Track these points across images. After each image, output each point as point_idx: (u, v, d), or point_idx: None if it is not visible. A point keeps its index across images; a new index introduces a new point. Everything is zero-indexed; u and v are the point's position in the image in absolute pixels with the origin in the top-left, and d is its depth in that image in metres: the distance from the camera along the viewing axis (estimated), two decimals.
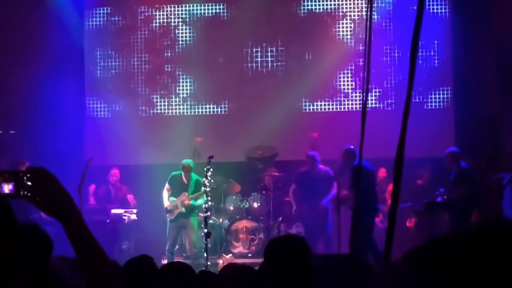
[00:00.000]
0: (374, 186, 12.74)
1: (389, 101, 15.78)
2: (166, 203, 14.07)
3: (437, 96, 15.79)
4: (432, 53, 15.77)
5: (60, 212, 2.41)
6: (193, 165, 14.08)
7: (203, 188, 12.99)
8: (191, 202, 13.92)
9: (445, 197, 13.24)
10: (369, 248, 12.12)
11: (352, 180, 12.61)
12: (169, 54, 16.35)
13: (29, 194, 2.47)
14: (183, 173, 14.09)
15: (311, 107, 16.04)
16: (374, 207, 12.63)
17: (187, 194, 13.92)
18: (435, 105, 15.80)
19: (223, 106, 16.25)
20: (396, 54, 15.85)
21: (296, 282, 4.16)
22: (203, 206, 12.85)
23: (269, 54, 16.19)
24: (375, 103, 15.65)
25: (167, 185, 14.17)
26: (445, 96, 15.80)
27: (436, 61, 15.79)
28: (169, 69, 16.33)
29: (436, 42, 15.75)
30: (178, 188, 14.06)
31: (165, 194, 14.14)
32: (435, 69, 15.75)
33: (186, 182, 14.05)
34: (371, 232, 12.42)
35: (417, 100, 15.24)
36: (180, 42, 16.36)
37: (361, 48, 15.43)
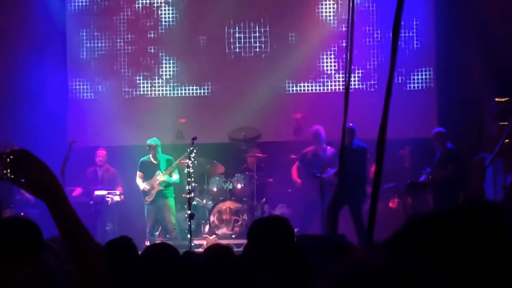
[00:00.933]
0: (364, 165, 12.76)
1: (372, 82, 15.80)
2: (142, 185, 14.10)
3: (418, 77, 15.81)
4: (411, 34, 15.77)
5: (45, 193, 2.41)
6: (159, 143, 14.09)
7: (186, 170, 12.97)
8: (165, 178, 13.93)
9: (430, 177, 13.29)
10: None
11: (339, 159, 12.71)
12: (152, 36, 16.29)
13: (12, 176, 2.47)
14: (151, 155, 14.10)
15: (294, 88, 16.04)
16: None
17: (160, 173, 13.95)
18: (417, 86, 15.83)
19: (206, 87, 16.23)
20: (379, 35, 15.85)
21: (280, 263, 4.17)
22: (186, 187, 12.84)
23: (252, 35, 16.16)
24: (358, 84, 15.66)
25: (138, 173, 14.23)
26: (427, 77, 15.83)
27: (417, 42, 15.80)
28: (152, 51, 16.27)
29: (417, 22, 15.74)
30: (149, 172, 14.11)
31: (139, 181, 14.19)
32: (416, 50, 15.76)
33: (155, 162, 14.07)
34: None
35: (399, 81, 15.27)
36: (163, 23, 16.30)
37: (343, 28, 15.43)
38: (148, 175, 14.08)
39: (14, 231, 3.48)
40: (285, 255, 4.19)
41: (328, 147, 13.53)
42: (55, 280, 3.89)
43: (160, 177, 13.95)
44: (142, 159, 14.24)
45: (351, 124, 12.51)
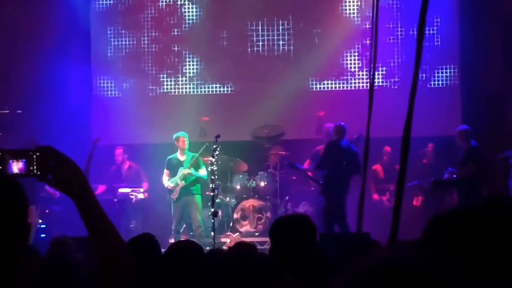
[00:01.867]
0: (347, 166, 12.75)
1: (395, 79, 15.75)
2: (166, 183, 14.07)
3: (442, 74, 15.74)
4: (432, 32, 15.69)
5: (72, 189, 2.41)
6: (186, 136, 14.08)
7: (210, 167, 12.97)
8: (191, 171, 13.88)
9: (453, 175, 13.25)
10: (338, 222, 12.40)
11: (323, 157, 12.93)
12: (176, 33, 16.31)
13: (38, 173, 2.48)
14: (178, 152, 14.09)
15: (317, 86, 16.02)
16: (345, 186, 12.73)
17: (183, 169, 13.92)
18: (440, 84, 15.76)
19: (229, 85, 16.23)
20: (402, 32, 15.80)
21: (303, 261, 4.17)
22: (210, 185, 12.85)
23: (275, 32, 16.14)
24: (381, 82, 15.61)
25: (165, 171, 14.17)
26: (450, 74, 15.76)
27: (438, 40, 15.71)
28: (176, 49, 16.29)
29: (437, 20, 15.64)
30: (176, 169, 14.05)
31: (165, 179, 14.14)
32: (439, 47, 15.68)
33: (182, 159, 14.04)
34: (341, 206, 12.59)
35: (422, 78, 15.20)
36: (187, 21, 16.31)
37: (367, 26, 15.38)
38: (174, 173, 14.06)
39: None
40: (305, 253, 4.19)
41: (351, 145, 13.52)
42: (76, 277, 3.91)
43: (184, 172, 13.90)
44: (169, 157, 14.20)
45: (342, 123, 12.93)
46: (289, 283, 4.10)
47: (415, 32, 15.44)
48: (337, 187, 12.71)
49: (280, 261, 4.24)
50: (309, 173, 14.03)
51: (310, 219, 4.52)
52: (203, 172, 13.92)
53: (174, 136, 14.09)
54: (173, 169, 14.06)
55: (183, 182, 13.93)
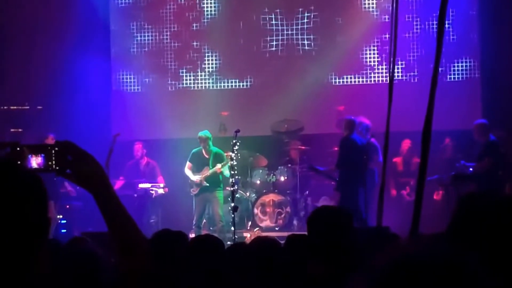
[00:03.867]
0: (360, 160, 12.77)
1: (414, 73, 15.69)
2: (192, 176, 14.04)
3: (459, 68, 15.65)
4: (447, 25, 15.59)
5: (91, 184, 2.41)
6: (210, 135, 14.06)
7: (230, 162, 12.97)
8: (222, 170, 13.84)
9: (469, 169, 13.21)
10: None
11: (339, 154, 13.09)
12: (195, 27, 16.31)
13: (57, 168, 2.49)
14: (202, 148, 14.07)
15: (337, 80, 15.99)
16: (359, 180, 12.75)
17: (208, 168, 13.90)
18: (457, 77, 15.67)
19: (248, 80, 16.24)
20: (418, 25, 15.73)
21: (337, 251, 4.19)
22: (230, 180, 12.86)
23: (294, 27, 16.12)
24: (400, 76, 15.55)
25: (188, 163, 14.15)
26: (468, 67, 15.66)
27: (454, 34, 15.60)
28: (195, 43, 16.30)
29: (453, 12, 15.50)
30: (199, 164, 14.04)
31: (188, 172, 14.12)
32: (458, 40, 15.56)
33: (206, 156, 14.02)
34: (356, 201, 12.57)
35: (440, 72, 15.13)
36: (206, 15, 16.30)
37: (387, 19, 15.36)
38: (197, 168, 14.04)
39: None
40: (340, 243, 4.21)
41: (372, 139, 13.47)
42: (95, 271, 3.92)
43: (215, 169, 13.86)
44: (193, 150, 14.18)
45: (352, 117, 13.12)
46: (314, 272, 4.11)
47: (432, 24, 15.48)
48: (351, 182, 12.74)
49: (311, 249, 4.26)
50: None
51: (351, 215, 4.55)
52: (226, 172, 13.90)
53: (199, 134, 14.04)
54: (197, 163, 14.03)
55: (205, 182, 13.91)
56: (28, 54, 15.55)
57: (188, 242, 5.08)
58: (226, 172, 13.86)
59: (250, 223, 14.63)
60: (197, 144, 14.17)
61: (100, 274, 3.59)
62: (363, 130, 13.55)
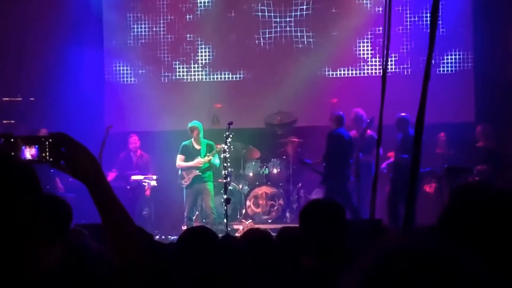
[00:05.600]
0: (346, 154, 12.90)
1: (406, 65, 15.68)
2: (193, 162, 13.94)
3: (449, 60, 15.64)
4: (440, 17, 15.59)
5: (85, 175, 2.41)
6: (200, 126, 14.06)
7: (222, 155, 12.98)
8: (212, 157, 13.83)
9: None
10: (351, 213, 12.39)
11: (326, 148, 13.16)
12: (189, 17, 16.25)
13: (51, 159, 2.48)
14: (193, 139, 14.07)
15: (330, 73, 15.98)
16: (344, 174, 12.89)
17: (200, 158, 13.90)
18: (450, 70, 15.65)
19: (241, 72, 16.21)
20: (411, 18, 15.72)
21: (328, 245, 4.20)
22: (222, 172, 12.85)
23: (288, 19, 16.09)
24: (393, 68, 15.54)
25: (180, 156, 14.10)
26: (459, 60, 15.64)
27: (443, 25, 15.58)
28: (189, 35, 16.25)
29: (443, 4, 15.50)
30: (190, 156, 14.02)
31: (182, 163, 14.08)
32: (450, 32, 15.52)
33: (197, 147, 14.01)
34: (349, 197, 12.62)
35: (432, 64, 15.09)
36: (199, 6, 16.24)
37: (380, 10, 15.37)
38: (188, 159, 14.04)
39: (53, 213, 3.52)
40: (331, 238, 4.21)
41: (369, 131, 13.50)
42: (89, 265, 3.91)
43: (205, 160, 13.87)
44: (184, 142, 14.17)
45: (340, 113, 13.31)
46: (307, 265, 4.12)
47: (424, 16, 15.49)
48: (335, 175, 12.85)
49: (304, 242, 4.27)
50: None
51: (343, 207, 4.52)
52: (216, 161, 13.93)
53: (189, 125, 14.06)
54: (188, 155, 14.03)
55: (197, 171, 13.92)
56: (20, 46, 15.52)
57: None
58: (216, 161, 13.87)
59: (243, 215, 14.63)
60: (190, 136, 14.16)
61: (94, 267, 3.59)
62: (358, 121, 13.64)
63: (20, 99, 15.39)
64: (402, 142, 12.86)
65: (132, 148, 15.14)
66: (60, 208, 3.70)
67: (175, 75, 16.31)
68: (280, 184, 14.77)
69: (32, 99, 15.44)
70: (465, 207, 1.70)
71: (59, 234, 3.55)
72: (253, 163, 15.00)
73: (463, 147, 13.81)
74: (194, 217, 14.09)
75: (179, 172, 14.15)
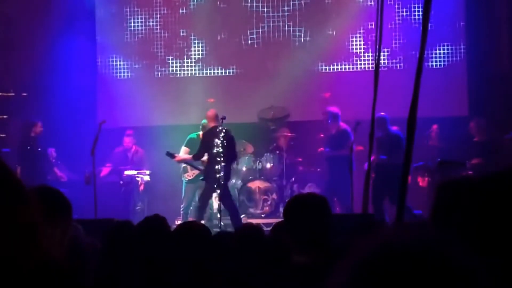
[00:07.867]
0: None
1: (398, 60, 15.69)
2: (186, 157, 13.82)
3: (440, 53, 15.65)
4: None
5: None
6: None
7: (215, 150, 12.90)
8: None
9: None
10: None
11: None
12: (181, 12, 16.23)
13: None
14: (200, 133, 13.97)
15: (323, 68, 15.98)
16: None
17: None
18: (442, 64, 15.66)
19: (234, 67, 16.20)
20: (403, 13, 15.72)
21: (314, 241, 4.19)
22: (216, 167, 12.81)
23: (281, 14, 16.08)
24: (386, 63, 15.55)
25: (184, 148, 14.03)
26: (450, 54, 15.65)
27: (432, 22, 15.55)
28: (182, 30, 16.23)
29: None
30: (196, 149, 13.93)
31: (184, 156, 13.95)
32: (442, 26, 15.51)
33: None
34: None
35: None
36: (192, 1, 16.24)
37: (372, 3, 15.38)
38: (194, 152, 13.85)
39: (47, 195, 3.54)
40: (316, 233, 4.21)
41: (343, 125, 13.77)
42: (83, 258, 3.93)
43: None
44: (190, 135, 14.10)
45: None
46: (298, 262, 4.12)
47: (415, 10, 15.50)
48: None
49: (292, 239, 4.26)
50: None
51: (325, 199, 4.49)
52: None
53: (202, 122, 13.90)
54: (194, 148, 13.84)
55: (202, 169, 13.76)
56: (12, 40, 15.47)
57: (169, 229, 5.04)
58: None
59: None
60: (184, 131, 14.13)
61: (88, 260, 3.61)
62: (329, 118, 13.77)
63: (13, 94, 15.36)
64: (381, 142, 12.89)
65: (128, 145, 15.11)
66: (60, 196, 3.76)
67: (169, 70, 16.29)
68: (274, 178, 14.77)
69: (25, 94, 15.40)
70: (449, 201, 1.70)
71: (58, 213, 3.59)
72: (246, 157, 14.99)
73: (456, 141, 13.83)
74: (189, 212, 14.08)
75: (182, 164, 14.10)
